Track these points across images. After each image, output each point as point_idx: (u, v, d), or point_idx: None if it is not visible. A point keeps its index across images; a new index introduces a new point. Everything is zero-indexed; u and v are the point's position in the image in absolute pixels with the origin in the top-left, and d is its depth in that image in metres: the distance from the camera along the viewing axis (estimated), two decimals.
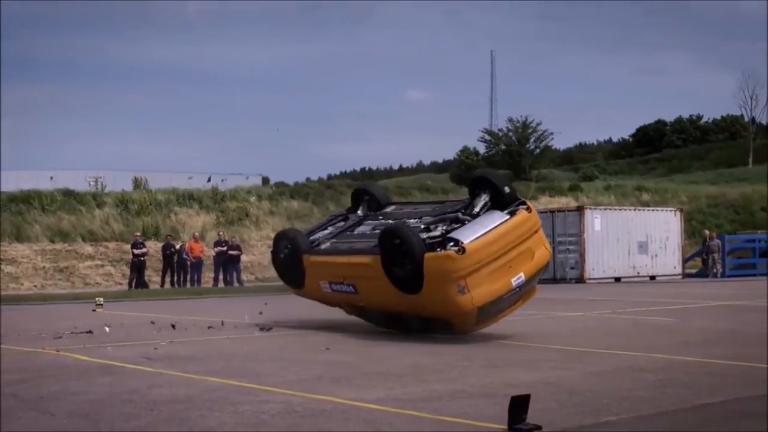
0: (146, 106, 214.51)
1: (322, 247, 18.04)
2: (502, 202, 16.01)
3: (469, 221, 15.78)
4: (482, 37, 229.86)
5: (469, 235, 15.18)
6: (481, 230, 15.36)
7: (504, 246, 15.38)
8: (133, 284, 35.60)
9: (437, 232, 15.50)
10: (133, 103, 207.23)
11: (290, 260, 18.19)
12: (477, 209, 16.02)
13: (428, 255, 14.94)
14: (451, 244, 14.95)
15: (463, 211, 16.29)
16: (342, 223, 19.07)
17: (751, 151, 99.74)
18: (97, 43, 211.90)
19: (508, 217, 15.71)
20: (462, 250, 14.81)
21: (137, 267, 35.92)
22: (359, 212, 19.01)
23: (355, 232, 18.17)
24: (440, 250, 14.94)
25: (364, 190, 19.77)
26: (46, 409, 9.29)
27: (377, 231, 16.68)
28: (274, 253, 18.95)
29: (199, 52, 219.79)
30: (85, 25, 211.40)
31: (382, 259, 15.62)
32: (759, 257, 46.46)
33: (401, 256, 15.23)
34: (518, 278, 15.49)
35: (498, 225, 15.54)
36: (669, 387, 10.67)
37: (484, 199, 16.11)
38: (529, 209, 16.03)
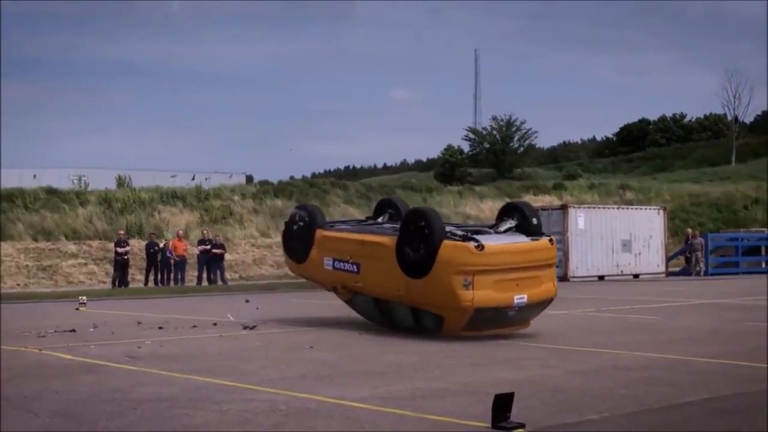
0: (129, 104, 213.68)
1: (339, 227, 18.74)
2: (527, 231, 16.51)
3: (492, 234, 16.31)
4: (465, 36, 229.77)
5: (490, 240, 15.67)
6: (502, 241, 15.91)
7: (518, 262, 15.79)
8: (117, 283, 35.48)
9: (460, 232, 16.04)
10: (116, 101, 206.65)
11: (302, 232, 18.58)
12: (503, 229, 16.56)
13: (447, 242, 15.40)
14: (472, 242, 15.41)
15: (488, 228, 16.81)
16: (363, 224, 19.49)
17: (733, 149, 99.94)
18: (80, 40, 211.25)
19: (530, 240, 16.21)
20: (481, 247, 15.31)
21: (121, 265, 35.82)
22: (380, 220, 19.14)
23: (374, 226, 18.58)
24: (459, 241, 15.48)
25: (389, 202, 20.06)
26: (29, 408, 9.27)
27: (397, 227, 16.80)
28: (288, 224, 19.20)
29: (183, 51, 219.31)
30: (67, 23, 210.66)
31: (398, 239, 16.05)
32: (742, 256, 46.64)
33: (419, 239, 15.67)
34: (521, 298, 15.68)
35: (519, 242, 16.09)
36: (652, 385, 10.70)
37: (510, 222, 16.68)
38: (551, 241, 16.54)
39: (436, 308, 15.83)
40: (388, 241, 16.50)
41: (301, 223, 18.65)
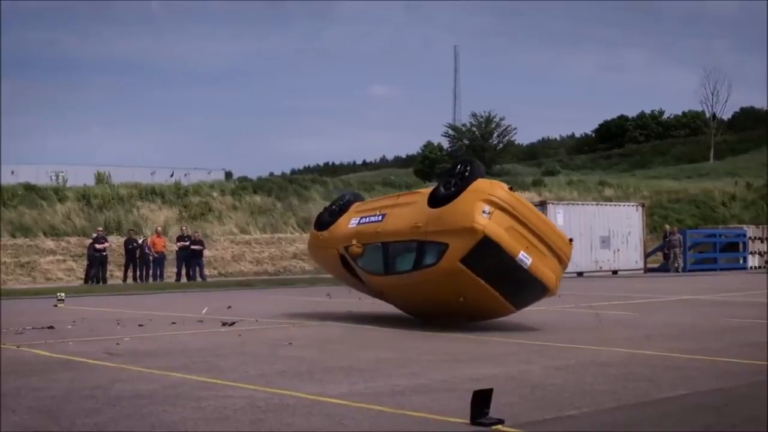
0: (109, 100, 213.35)
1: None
2: None
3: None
4: (444, 33, 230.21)
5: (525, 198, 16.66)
6: (535, 205, 17.03)
7: (539, 228, 16.36)
8: (91, 279, 35.29)
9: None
10: (95, 97, 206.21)
11: (338, 208, 19.91)
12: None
13: (482, 180, 16.58)
14: (506, 184, 16.69)
15: None
16: None
17: (712, 147, 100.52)
18: (58, 37, 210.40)
19: (555, 224, 17.06)
20: (513, 189, 16.59)
21: (99, 261, 35.70)
22: None
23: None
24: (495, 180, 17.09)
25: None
26: (7, 405, 9.21)
27: None
28: (330, 205, 20.61)
29: (163, 48, 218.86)
30: (47, 20, 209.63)
31: (438, 184, 17.29)
32: (720, 252, 46.89)
33: (455, 180, 16.74)
34: (525, 258, 15.96)
35: (547, 218, 17.00)
36: (631, 381, 10.73)
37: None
38: (570, 241, 17.17)
39: (445, 235, 16.17)
40: (425, 191, 17.83)
41: (341, 202, 20.05)
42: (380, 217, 18.20)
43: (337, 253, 19.14)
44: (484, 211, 15.82)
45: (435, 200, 16.76)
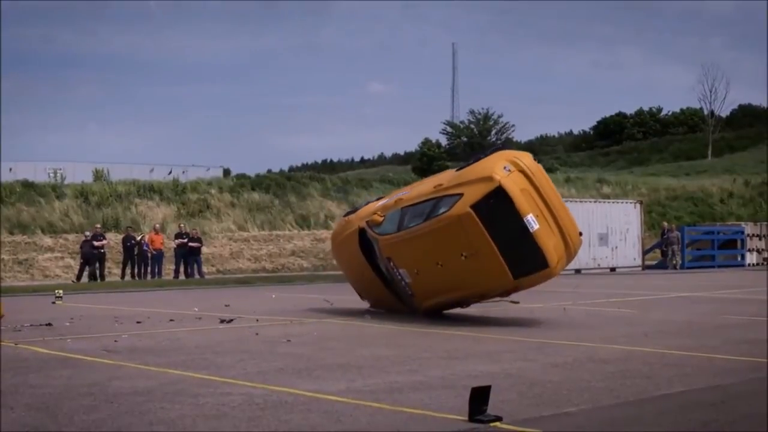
0: (106, 97, 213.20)
1: None
2: None
3: None
4: (441, 30, 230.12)
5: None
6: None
7: (553, 204, 16.99)
8: (90, 277, 35.25)
9: None
10: (92, 94, 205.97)
11: (375, 200, 20.93)
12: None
13: (511, 150, 18.13)
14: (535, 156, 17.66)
15: None
16: None
17: (710, 144, 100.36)
18: (55, 34, 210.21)
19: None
20: (538, 160, 17.49)
21: (97, 259, 35.66)
22: None
23: None
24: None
25: None
26: (5, 402, 9.20)
27: None
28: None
29: (160, 45, 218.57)
30: (42, 16, 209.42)
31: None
32: (717, 249, 46.89)
33: (488, 152, 18.21)
34: (533, 221, 16.46)
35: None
36: (628, 378, 10.75)
37: None
38: (580, 234, 17.82)
39: (462, 186, 17.08)
40: (457, 169, 18.76)
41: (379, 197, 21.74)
42: (407, 192, 19.32)
43: (357, 229, 19.46)
44: (505, 167, 16.68)
45: (462, 167, 18.18)
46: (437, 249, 17.13)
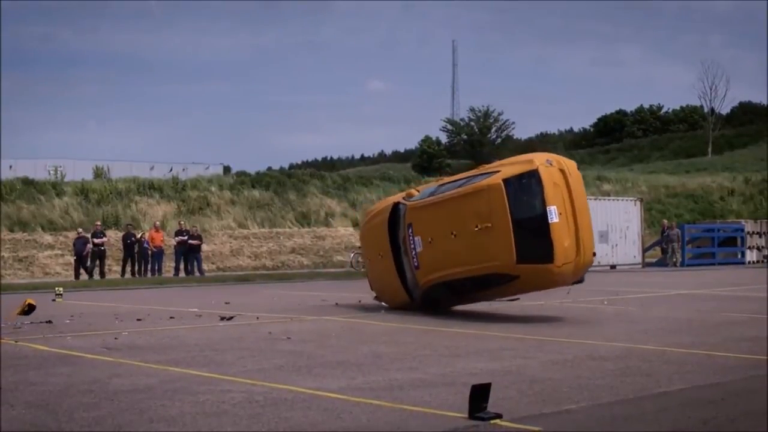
0: (106, 95, 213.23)
1: None
2: None
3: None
4: (441, 28, 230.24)
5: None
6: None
7: (579, 210, 17.22)
8: (89, 274, 35.25)
9: None
10: (92, 92, 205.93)
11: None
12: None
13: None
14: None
15: None
16: None
17: (710, 141, 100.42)
18: (55, 32, 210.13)
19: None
20: (577, 167, 17.97)
21: (98, 256, 35.67)
22: None
23: None
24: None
25: None
26: (5, 399, 9.21)
27: None
28: None
29: (160, 43, 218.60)
30: (42, 14, 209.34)
31: None
32: (718, 247, 46.90)
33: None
34: (553, 214, 16.84)
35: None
36: (628, 375, 10.75)
37: None
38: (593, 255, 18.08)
39: (501, 166, 18.22)
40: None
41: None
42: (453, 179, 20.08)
43: (392, 204, 20.01)
44: (547, 160, 17.29)
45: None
46: (456, 217, 17.77)
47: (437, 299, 18.88)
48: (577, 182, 17.44)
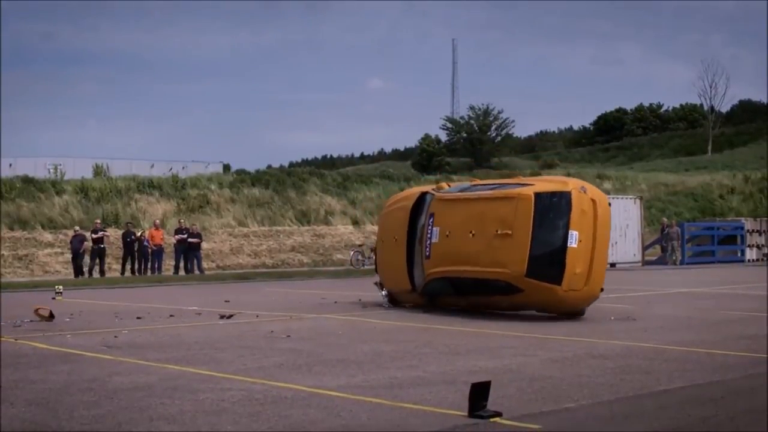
0: (106, 94, 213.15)
1: None
2: None
3: None
4: (441, 26, 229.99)
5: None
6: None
7: (600, 243, 17.54)
8: (79, 272, 35.24)
9: None
10: (92, 90, 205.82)
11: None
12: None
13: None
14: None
15: None
16: None
17: (710, 139, 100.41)
18: (54, 30, 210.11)
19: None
20: (607, 202, 18.38)
21: (97, 254, 35.67)
22: None
23: None
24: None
25: None
26: (5, 398, 9.21)
27: None
28: None
29: (160, 41, 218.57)
30: (41, 12, 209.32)
31: None
32: (717, 245, 46.89)
33: None
34: (574, 239, 17.08)
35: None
36: (628, 373, 10.75)
37: None
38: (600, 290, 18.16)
39: (538, 182, 18.82)
40: None
41: None
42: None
43: (420, 193, 20.34)
44: (581, 188, 17.62)
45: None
46: (480, 217, 17.97)
47: (437, 293, 18.95)
48: (604, 216, 17.74)
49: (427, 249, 18.97)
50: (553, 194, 17.45)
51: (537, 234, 17.06)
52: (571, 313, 17.66)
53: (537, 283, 17.02)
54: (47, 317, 17.23)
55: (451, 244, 18.40)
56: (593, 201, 17.50)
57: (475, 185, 20.04)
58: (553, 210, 17.26)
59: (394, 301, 20.22)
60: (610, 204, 18.84)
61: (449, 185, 20.52)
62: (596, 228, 17.33)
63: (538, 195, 17.37)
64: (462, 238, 18.16)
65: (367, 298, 21.60)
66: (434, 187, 20.52)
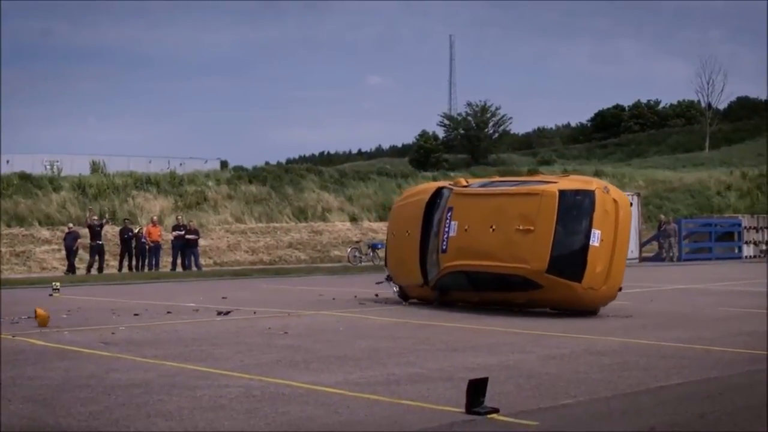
0: (104, 90, 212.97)
1: None
2: None
3: None
4: (439, 23, 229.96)
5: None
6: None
7: (620, 242, 17.63)
8: (90, 269, 35.29)
9: None
10: (89, 87, 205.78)
11: None
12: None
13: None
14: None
15: None
16: None
17: (707, 136, 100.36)
18: (52, 26, 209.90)
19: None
20: (629, 204, 18.60)
21: (96, 251, 35.64)
22: None
23: None
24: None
25: None
26: (3, 394, 9.20)
27: None
28: None
29: (158, 38, 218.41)
30: (39, 9, 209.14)
31: None
32: (715, 241, 46.91)
33: None
34: (596, 237, 17.16)
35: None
36: (625, 370, 10.76)
37: None
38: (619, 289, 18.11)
39: (562, 180, 18.79)
40: None
41: None
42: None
43: (437, 188, 20.38)
44: (605, 188, 17.75)
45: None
46: (501, 212, 17.94)
47: (450, 287, 18.92)
48: (625, 217, 17.87)
49: (444, 243, 18.86)
50: (577, 192, 17.52)
51: (560, 231, 17.12)
52: (588, 310, 17.68)
53: (557, 279, 17.03)
54: (42, 323, 17.17)
55: (469, 238, 18.39)
56: (615, 201, 17.60)
57: (495, 181, 20.20)
58: (576, 208, 17.34)
59: (405, 296, 20.24)
60: (631, 204, 19.04)
61: (467, 181, 20.54)
62: (617, 228, 17.41)
63: (562, 192, 17.41)
64: (482, 232, 18.14)
65: (363, 295, 21.60)
66: (452, 182, 20.58)
